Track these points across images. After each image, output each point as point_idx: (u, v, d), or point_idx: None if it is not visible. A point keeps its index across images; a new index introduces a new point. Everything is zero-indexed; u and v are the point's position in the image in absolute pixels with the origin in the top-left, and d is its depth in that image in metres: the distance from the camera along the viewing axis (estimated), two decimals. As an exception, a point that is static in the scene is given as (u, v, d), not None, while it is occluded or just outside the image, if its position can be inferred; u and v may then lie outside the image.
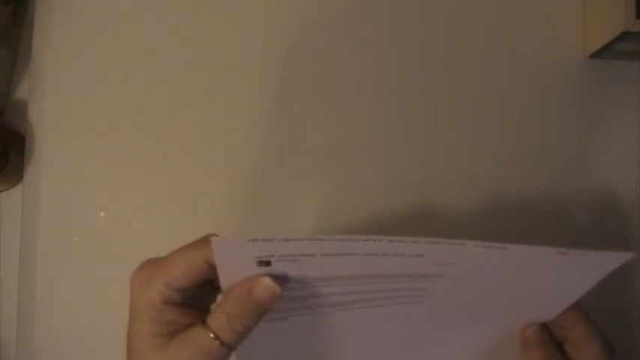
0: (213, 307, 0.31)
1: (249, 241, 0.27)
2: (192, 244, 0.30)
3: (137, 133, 0.43)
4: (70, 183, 0.43)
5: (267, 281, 0.29)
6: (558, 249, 0.29)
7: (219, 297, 0.32)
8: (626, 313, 0.44)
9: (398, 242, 0.28)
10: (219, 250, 0.28)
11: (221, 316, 0.29)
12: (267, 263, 0.29)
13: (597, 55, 0.44)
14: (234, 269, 0.29)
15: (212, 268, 0.29)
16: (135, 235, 0.43)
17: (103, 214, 0.43)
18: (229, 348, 0.29)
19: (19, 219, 0.43)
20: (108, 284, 0.42)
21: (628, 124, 0.45)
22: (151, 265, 0.30)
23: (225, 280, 0.30)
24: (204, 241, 0.29)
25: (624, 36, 0.41)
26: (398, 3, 0.45)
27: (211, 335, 0.29)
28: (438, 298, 0.33)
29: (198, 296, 0.31)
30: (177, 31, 0.44)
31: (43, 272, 0.42)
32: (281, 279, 0.30)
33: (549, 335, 0.35)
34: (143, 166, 0.43)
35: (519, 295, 0.33)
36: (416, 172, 0.44)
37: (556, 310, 0.34)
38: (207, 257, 0.29)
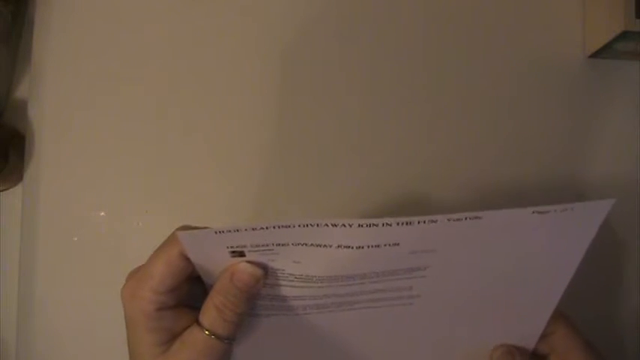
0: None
1: (216, 233, 0.27)
2: (165, 242, 0.30)
3: (137, 133, 0.43)
4: (70, 183, 0.43)
5: (245, 266, 0.29)
6: (535, 208, 0.27)
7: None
8: (627, 316, 0.44)
9: (369, 227, 0.26)
10: (186, 242, 0.28)
11: (211, 311, 0.29)
12: (241, 254, 0.29)
13: (597, 54, 0.44)
14: (208, 260, 0.29)
15: (190, 261, 0.29)
16: (135, 235, 0.43)
17: (103, 214, 0.43)
18: (228, 340, 0.29)
19: (19, 219, 0.43)
20: (108, 284, 0.41)
21: (628, 123, 0.45)
22: (135, 275, 0.30)
23: (203, 271, 0.30)
24: (175, 236, 0.29)
25: (624, 36, 0.41)
26: (397, 3, 0.45)
27: (207, 332, 0.29)
28: (427, 299, 0.32)
29: (192, 295, 0.31)
30: (177, 31, 0.44)
31: (43, 272, 0.42)
32: (260, 267, 0.30)
33: (520, 356, 0.33)
34: (143, 166, 0.43)
35: (510, 282, 0.32)
36: (416, 171, 0.44)
37: (551, 301, 0.32)
38: (182, 251, 0.29)
